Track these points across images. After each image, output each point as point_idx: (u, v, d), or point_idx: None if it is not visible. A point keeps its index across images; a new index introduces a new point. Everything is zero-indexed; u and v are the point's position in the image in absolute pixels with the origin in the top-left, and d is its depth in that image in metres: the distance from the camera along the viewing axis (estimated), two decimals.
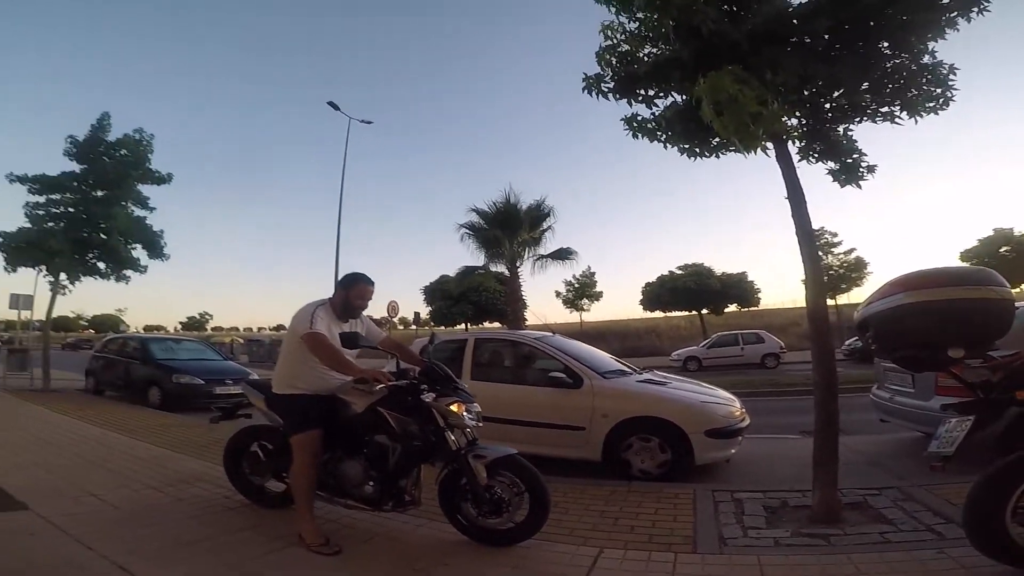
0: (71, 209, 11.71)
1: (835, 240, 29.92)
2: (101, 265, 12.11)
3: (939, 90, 3.66)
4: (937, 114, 3.79)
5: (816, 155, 4.11)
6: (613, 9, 3.63)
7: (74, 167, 11.80)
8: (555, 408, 4.84)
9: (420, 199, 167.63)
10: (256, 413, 3.81)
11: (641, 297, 26.63)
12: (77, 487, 3.93)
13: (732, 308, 30.75)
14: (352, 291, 3.21)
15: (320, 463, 3.07)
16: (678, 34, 3.44)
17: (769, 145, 3.59)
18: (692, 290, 21.32)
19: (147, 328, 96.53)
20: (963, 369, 2.30)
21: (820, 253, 28.50)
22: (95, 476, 4.30)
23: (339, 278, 3.41)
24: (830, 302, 31.33)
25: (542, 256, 16.60)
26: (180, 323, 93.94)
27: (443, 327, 33.52)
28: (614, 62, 3.75)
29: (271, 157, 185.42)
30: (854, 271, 28.96)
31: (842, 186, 4.15)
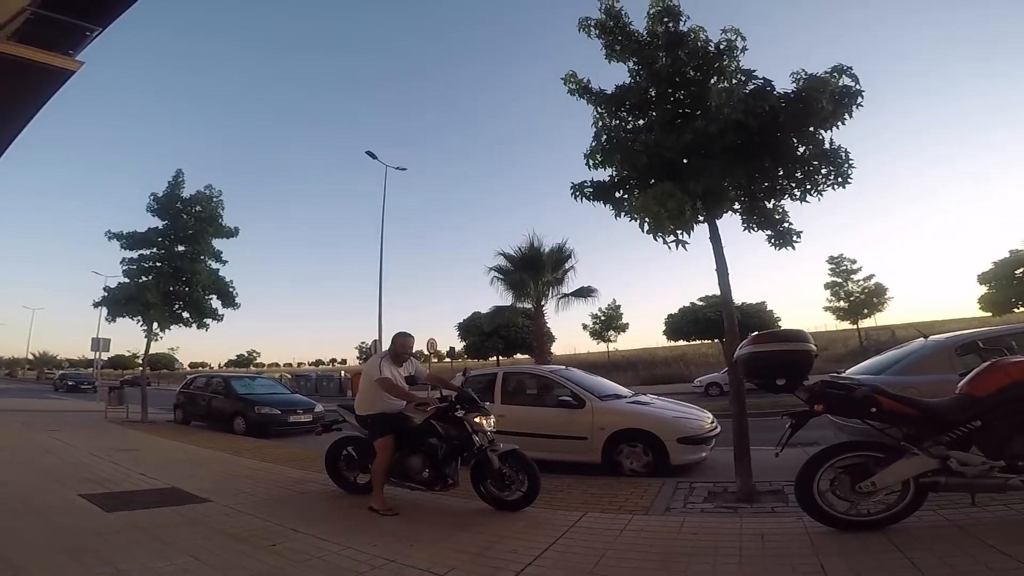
0: (158, 264, 13.09)
1: (855, 267, 30.51)
2: (186, 315, 13.38)
3: (838, 169, 4.72)
4: (835, 190, 4.85)
5: (755, 226, 5.25)
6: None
7: (157, 223, 13.14)
8: (565, 424, 6.34)
9: (453, 239, 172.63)
10: (345, 427, 5.45)
11: (664, 328, 27.67)
12: (232, 488, 5.53)
13: None
14: (397, 344, 5.00)
15: (393, 459, 4.67)
16: (625, 163, 5.05)
17: (705, 225, 5.03)
18: (713, 320, 22.31)
19: (192, 366, 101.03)
20: (799, 390, 3.66)
21: (840, 279, 28.62)
22: (236, 482, 5.87)
23: (392, 333, 5.22)
24: (851, 326, 31.84)
25: (565, 295, 18.07)
26: (229, 360, 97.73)
27: (477, 360, 35.13)
28: (589, 182, 5.36)
29: (313, 203, 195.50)
30: (875, 296, 29.39)
31: (777, 249, 5.19)
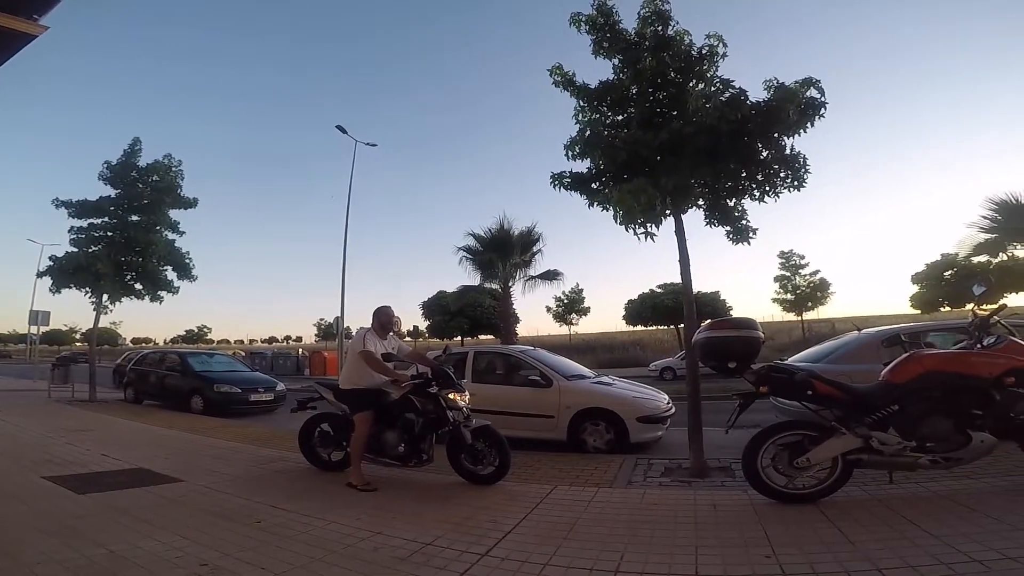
0: (110, 233, 12.57)
1: (803, 262, 32.28)
2: (138, 286, 12.93)
3: (795, 173, 5.09)
4: (791, 192, 5.25)
5: (716, 221, 5.58)
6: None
7: (110, 192, 12.59)
8: (533, 402, 6.66)
9: (419, 218, 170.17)
10: (321, 404, 5.47)
11: (624, 313, 28.57)
12: (202, 467, 5.53)
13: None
14: (382, 316, 5.13)
15: (371, 434, 4.81)
16: (604, 157, 5.31)
17: (671, 219, 5.38)
18: (670, 307, 23.28)
19: (135, 341, 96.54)
20: (747, 373, 4.07)
21: (788, 273, 30.14)
22: (204, 461, 5.85)
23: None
24: (796, 318, 33.81)
25: (532, 277, 18.46)
26: (178, 336, 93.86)
27: (441, 339, 35.22)
28: (568, 172, 5.61)
29: (273, 175, 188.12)
30: (819, 290, 31.28)
31: (735, 244, 5.55)
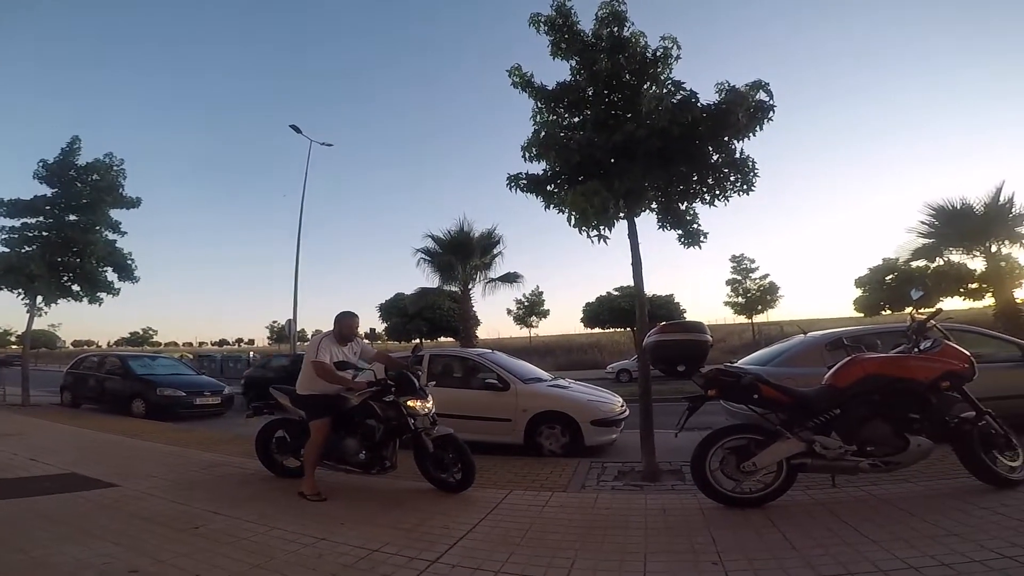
0: (45, 233, 12.13)
1: (753, 266, 33.40)
2: (76, 288, 12.43)
3: (745, 177, 5.15)
4: (740, 196, 5.29)
5: (668, 225, 5.61)
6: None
7: (46, 191, 12.17)
8: (490, 406, 6.56)
9: (376, 218, 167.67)
10: (278, 409, 5.13)
11: (582, 315, 28.84)
12: (140, 472, 5.23)
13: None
14: (343, 324, 4.82)
15: (329, 442, 4.57)
16: (559, 159, 5.29)
17: (624, 223, 5.38)
18: (626, 310, 23.62)
19: (76, 344, 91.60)
20: (696, 376, 4.08)
21: (740, 277, 31.14)
22: (144, 466, 5.55)
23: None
24: (747, 320, 34.99)
25: (492, 279, 18.31)
26: (121, 338, 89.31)
27: (399, 342, 34.67)
28: (524, 174, 5.56)
29: (226, 175, 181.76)
30: (768, 293, 32.44)
31: (686, 247, 5.56)
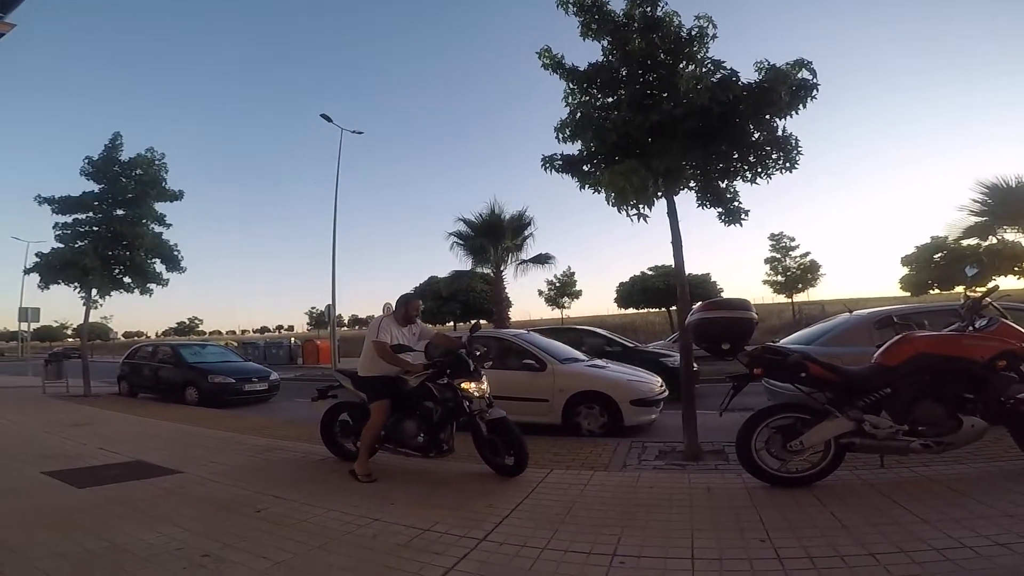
0: (95, 228, 12.55)
1: (793, 244, 32.34)
2: (127, 280, 12.83)
3: (787, 155, 5.06)
4: (783, 174, 5.21)
5: (708, 203, 5.55)
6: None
7: (93, 187, 12.54)
8: (528, 386, 6.66)
9: (408, 204, 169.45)
10: (341, 393, 5.28)
11: (616, 296, 28.56)
12: (200, 459, 5.50)
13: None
14: (409, 306, 4.98)
15: (388, 424, 4.65)
16: (595, 139, 5.25)
17: (663, 201, 5.32)
18: (661, 289, 23.33)
19: (127, 335, 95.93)
20: (741, 355, 4.07)
21: (779, 255, 30.26)
22: (203, 453, 5.82)
23: (398, 297, 5.06)
24: (786, 299, 34.10)
25: (524, 261, 18.40)
26: (169, 328, 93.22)
27: (433, 325, 35.14)
28: (559, 154, 5.55)
29: (263, 167, 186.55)
30: (809, 272, 31.43)
31: (727, 225, 5.52)
